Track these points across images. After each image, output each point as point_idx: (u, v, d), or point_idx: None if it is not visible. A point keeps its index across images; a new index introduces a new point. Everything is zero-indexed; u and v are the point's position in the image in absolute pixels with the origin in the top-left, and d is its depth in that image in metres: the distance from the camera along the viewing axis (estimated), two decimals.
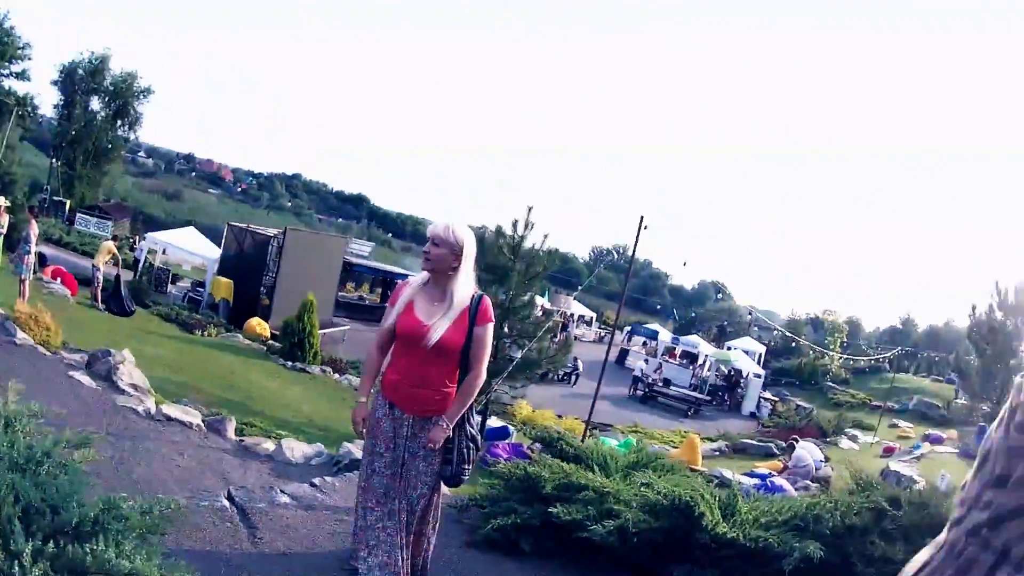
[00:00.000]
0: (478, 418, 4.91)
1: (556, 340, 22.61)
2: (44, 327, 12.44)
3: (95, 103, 63.94)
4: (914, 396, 46.36)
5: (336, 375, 22.90)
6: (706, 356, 48.79)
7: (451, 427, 4.67)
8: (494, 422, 16.93)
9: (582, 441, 10.19)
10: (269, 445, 9.44)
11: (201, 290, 32.33)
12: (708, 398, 41.68)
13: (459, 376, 4.72)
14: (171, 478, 7.24)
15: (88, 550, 3.54)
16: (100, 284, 23.77)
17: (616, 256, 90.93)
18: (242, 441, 9.50)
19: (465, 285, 4.67)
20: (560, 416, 25.92)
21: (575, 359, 35.16)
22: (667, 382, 40.96)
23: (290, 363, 22.52)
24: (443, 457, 4.77)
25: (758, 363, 52.29)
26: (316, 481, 7.50)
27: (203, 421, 9.76)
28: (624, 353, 51.82)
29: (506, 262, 16.23)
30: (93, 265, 24.25)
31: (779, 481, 15.83)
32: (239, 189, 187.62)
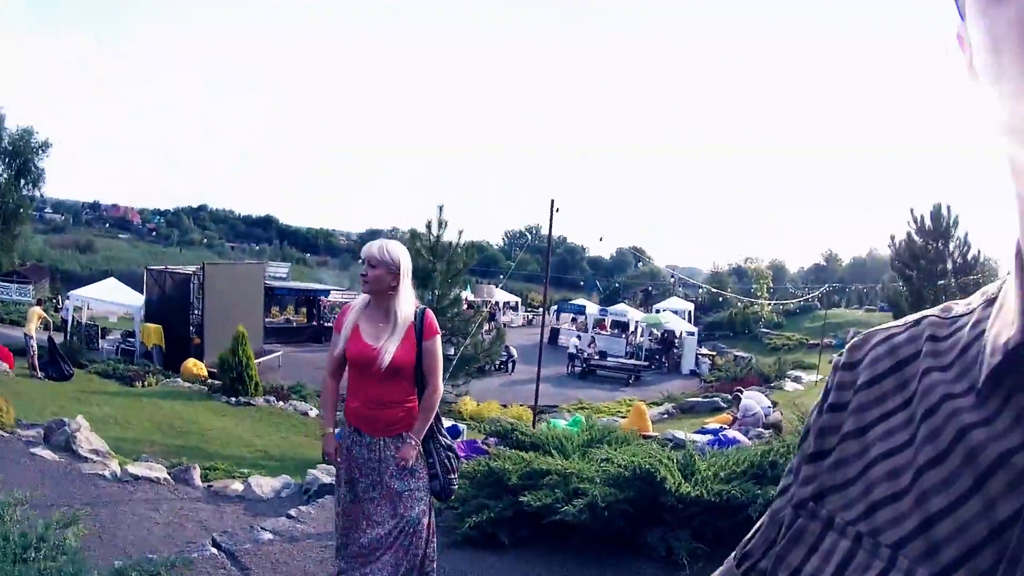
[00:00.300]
0: (447, 425, 5.11)
1: (488, 331, 22.89)
2: None
3: None
4: (850, 329, 47.02)
5: (280, 403, 22.86)
6: (636, 322, 49.01)
7: (419, 442, 4.80)
8: (443, 423, 17.20)
9: (534, 427, 10.54)
10: (238, 486, 9.68)
11: (132, 340, 32.05)
12: (646, 363, 42.03)
13: (417, 389, 4.83)
14: (153, 536, 7.46)
15: None
16: (35, 352, 23.44)
17: (531, 238, 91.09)
18: (210, 486, 9.72)
19: (407, 302, 4.80)
20: (505, 406, 25.98)
21: (507, 347, 35.36)
22: (603, 354, 41.15)
23: (233, 399, 22.50)
24: (428, 473, 4.90)
25: (689, 321, 52.81)
26: (292, 512, 7.78)
27: (169, 474, 9.97)
28: (555, 332, 51.88)
29: (426, 264, 16.50)
30: (25, 334, 23.88)
31: (731, 433, 16.09)
32: (148, 229, 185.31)
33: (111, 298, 34.80)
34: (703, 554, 6.27)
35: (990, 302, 0.71)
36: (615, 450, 7.75)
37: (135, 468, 9.94)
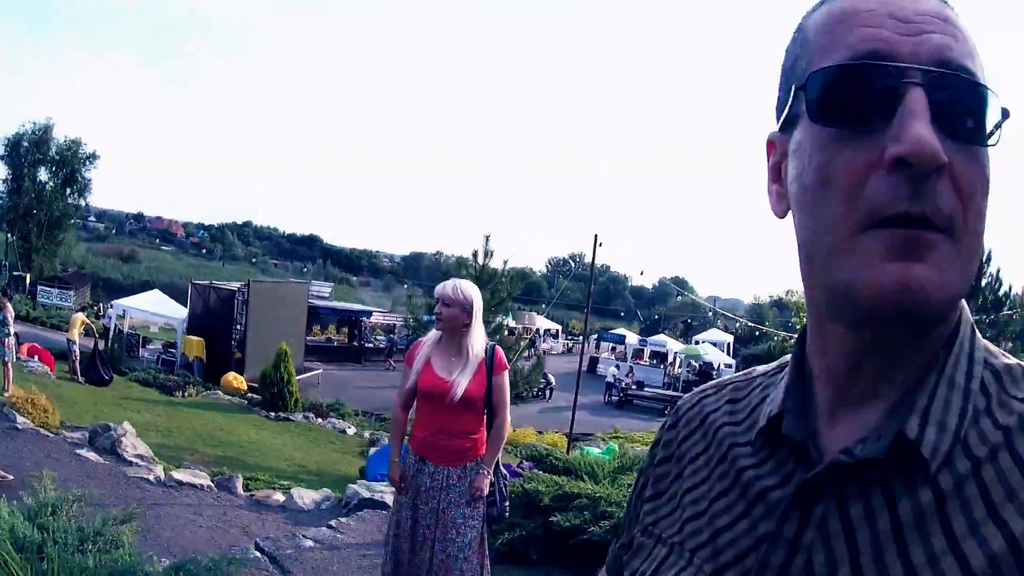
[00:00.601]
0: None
1: (527, 358, 23.00)
2: (41, 409, 12.79)
3: (43, 174, 63.58)
4: None
5: (319, 420, 23.06)
6: (675, 353, 49.00)
7: (491, 472, 4.96)
8: None
9: (568, 453, 10.74)
10: (279, 496, 9.93)
11: (173, 350, 32.34)
12: (682, 395, 41.74)
13: (485, 421, 5.00)
14: (196, 539, 7.75)
15: None
16: (77, 357, 23.74)
17: (574, 266, 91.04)
18: (252, 495, 9.97)
19: (479, 338, 4.98)
20: (540, 432, 25.94)
21: (545, 374, 35.29)
22: (640, 384, 41.10)
23: (272, 413, 22.73)
24: (487, 500, 5.01)
25: (727, 353, 52.65)
26: (332, 523, 8.05)
27: (212, 481, 10.24)
28: (594, 360, 51.84)
29: None
30: (68, 339, 24.19)
31: None
32: (191, 243, 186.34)
33: (154, 309, 35.16)
34: None
35: (781, 368, 1.02)
36: None
37: (179, 474, 10.22)
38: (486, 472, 4.90)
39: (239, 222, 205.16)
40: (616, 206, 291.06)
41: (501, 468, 5.23)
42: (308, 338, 39.46)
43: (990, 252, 29.02)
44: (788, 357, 0.99)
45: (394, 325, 51.10)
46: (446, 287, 4.96)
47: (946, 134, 0.74)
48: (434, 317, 5.16)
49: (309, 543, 7.32)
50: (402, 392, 5.11)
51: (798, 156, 0.82)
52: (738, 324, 65.00)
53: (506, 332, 24.97)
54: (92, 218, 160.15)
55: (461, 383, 4.79)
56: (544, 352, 46.03)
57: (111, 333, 31.89)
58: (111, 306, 36.46)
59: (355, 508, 9.24)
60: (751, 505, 0.89)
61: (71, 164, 63.47)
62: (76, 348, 23.82)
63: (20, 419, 11.76)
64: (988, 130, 0.77)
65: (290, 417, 22.54)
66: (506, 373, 5.06)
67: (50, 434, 11.66)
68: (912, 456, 0.77)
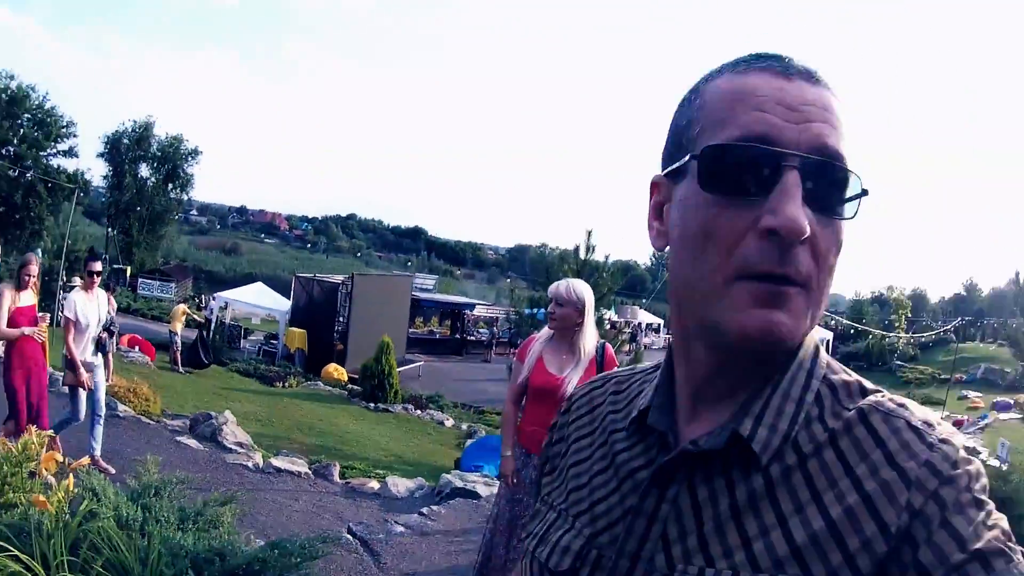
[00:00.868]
0: None
1: (627, 352, 22.87)
2: (143, 398, 13.15)
3: (144, 170, 65.00)
4: (981, 364, 45.70)
5: (418, 411, 23.24)
6: None
7: None
8: None
9: None
10: (374, 484, 10.12)
11: (275, 342, 32.99)
12: None
13: None
14: (291, 522, 7.95)
15: None
16: (179, 347, 24.38)
17: None
18: (348, 483, 10.17)
19: (591, 337, 5.09)
20: None
21: None
22: None
23: (372, 404, 22.97)
24: None
25: (826, 350, 51.88)
26: (424, 511, 8.22)
27: (309, 469, 10.47)
28: None
29: None
30: (171, 331, 24.88)
31: None
32: (295, 236, 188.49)
33: (256, 301, 35.84)
34: None
35: (657, 368, 1.21)
36: None
37: (277, 461, 10.47)
38: None
39: (343, 215, 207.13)
40: None
41: None
42: (410, 330, 39.79)
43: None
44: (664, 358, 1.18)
45: (496, 318, 51.35)
46: (560, 287, 5.08)
47: (813, 209, 0.92)
48: (547, 314, 5.25)
49: (400, 528, 7.49)
50: (513, 387, 5.25)
51: (683, 207, 0.99)
52: (832, 321, 63.94)
53: (608, 326, 24.86)
54: (194, 212, 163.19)
55: (572, 380, 4.90)
56: (645, 347, 45.75)
57: (213, 324, 32.49)
58: (213, 298, 37.03)
59: (447, 497, 9.41)
60: (622, 482, 1.09)
61: (173, 160, 65.11)
62: (178, 339, 24.50)
63: (121, 408, 12.06)
64: (847, 207, 0.97)
65: (389, 408, 22.76)
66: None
67: (151, 422, 11.96)
68: (746, 450, 0.96)
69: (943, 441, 0.93)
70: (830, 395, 1.02)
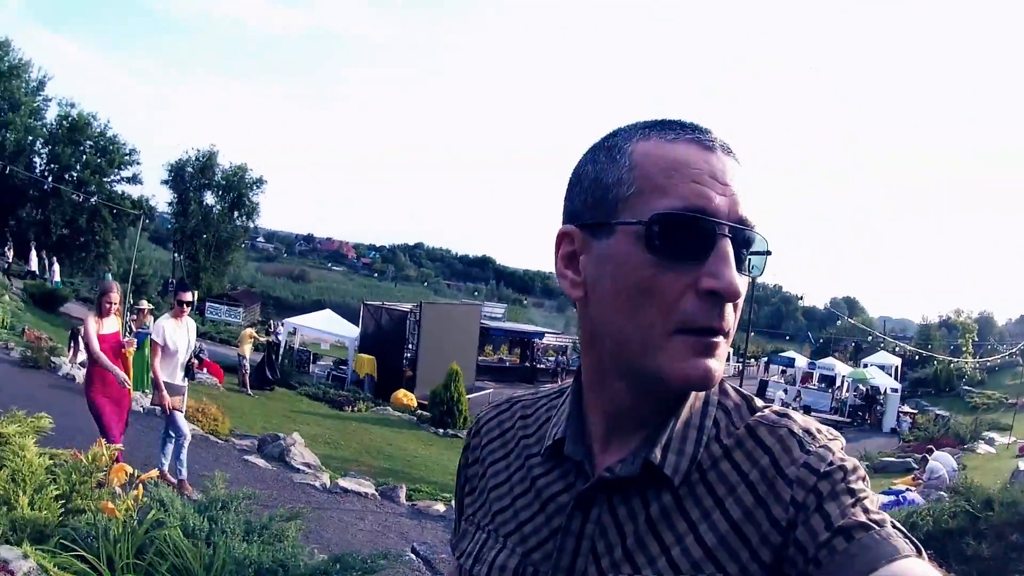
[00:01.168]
0: None
1: None
2: (211, 417, 13.39)
3: (209, 197, 66.03)
4: None
5: None
6: (843, 377, 47.75)
7: None
8: None
9: None
10: (440, 507, 10.18)
11: (344, 367, 33.11)
12: (848, 420, 40.78)
13: None
14: (356, 540, 8.01)
15: None
16: (247, 370, 24.83)
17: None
18: (414, 505, 10.23)
19: None
20: None
21: None
22: (807, 409, 40.03)
23: (441, 430, 23.15)
24: None
25: (895, 377, 50.92)
26: None
27: (376, 490, 10.54)
28: (763, 384, 51.04)
29: None
30: (239, 354, 25.42)
31: (911, 496, 15.79)
32: (362, 264, 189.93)
33: (325, 328, 35.98)
34: None
35: (561, 393, 1.33)
36: None
37: (345, 482, 10.56)
38: None
39: (411, 243, 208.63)
40: (791, 220, 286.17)
41: None
42: (480, 358, 39.86)
43: None
44: (570, 382, 1.30)
45: (565, 347, 51.00)
46: None
47: (736, 270, 1.03)
48: None
49: None
50: None
51: (618, 264, 1.07)
52: (896, 347, 63.06)
53: None
54: (261, 239, 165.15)
55: None
56: None
57: (282, 349, 32.80)
58: (282, 323, 37.40)
59: None
60: (545, 504, 1.19)
61: (237, 188, 66.04)
62: (246, 362, 24.96)
63: (190, 427, 12.11)
64: (757, 266, 1.12)
65: (458, 434, 22.85)
66: None
67: (220, 441, 12.15)
68: (659, 474, 1.08)
69: (821, 446, 1.07)
70: (724, 417, 1.16)
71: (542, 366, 48.34)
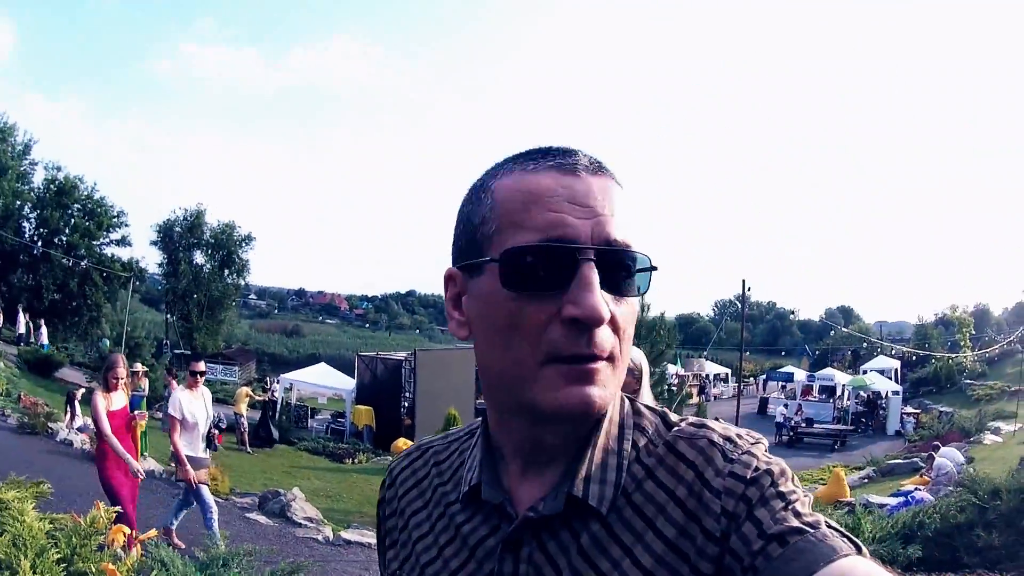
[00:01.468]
0: None
1: (692, 404, 22.81)
2: (211, 477, 13.40)
3: (199, 256, 65.87)
4: None
5: None
6: (843, 386, 47.67)
7: None
8: None
9: None
10: None
11: (342, 420, 33.04)
12: (852, 427, 40.57)
13: None
14: None
15: None
16: (245, 428, 25.02)
17: (740, 306, 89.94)
18: None
19: (648, 401, 5.10)
20: None
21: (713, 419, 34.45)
22: (810, 421, 39.96)
23: None
24: None
25: (894, 379, 50.80)
26: None
27: None
28: (764, 401, 50.96)
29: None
30: (236, 413, 25.48)
31: (921, 494, 15.78)
32: (355, 315, 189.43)
33: (321, 381, 35.92)
34: None
35: (471, 433, 1.33)
36: None
37: (347, 534, 10.58)
38: None
39: (403, 291, 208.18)
40: (779, 237, 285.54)
41: None
42: (477, 401, 39.69)
43: None
44: (478, 422, 1.31)
45: None
46: None
47: (610, 292, 1.05)
48: None
49: None
50: None
51: (487, 302, 1.09)
52: (892, 350, 62.94)
53: (675, 380, 24.78)
54: (253, 296, 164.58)
55: None
56: (715, 397, 45.32)
57: (279, 405, 32.77)
58: (277, 380, 37.34)
59: None
60: (473, 551, 1.17)
61: (226, 246, 65.88)
62: (244, 420, 25.17)
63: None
64: (638, 285, 1.10)
65: None
66: None
67: (220, 500, 12.11)
68: (584, 506, 1.08)
69: (744, 452, 1.07)
70: (643, 437, 1.16)
71: None
